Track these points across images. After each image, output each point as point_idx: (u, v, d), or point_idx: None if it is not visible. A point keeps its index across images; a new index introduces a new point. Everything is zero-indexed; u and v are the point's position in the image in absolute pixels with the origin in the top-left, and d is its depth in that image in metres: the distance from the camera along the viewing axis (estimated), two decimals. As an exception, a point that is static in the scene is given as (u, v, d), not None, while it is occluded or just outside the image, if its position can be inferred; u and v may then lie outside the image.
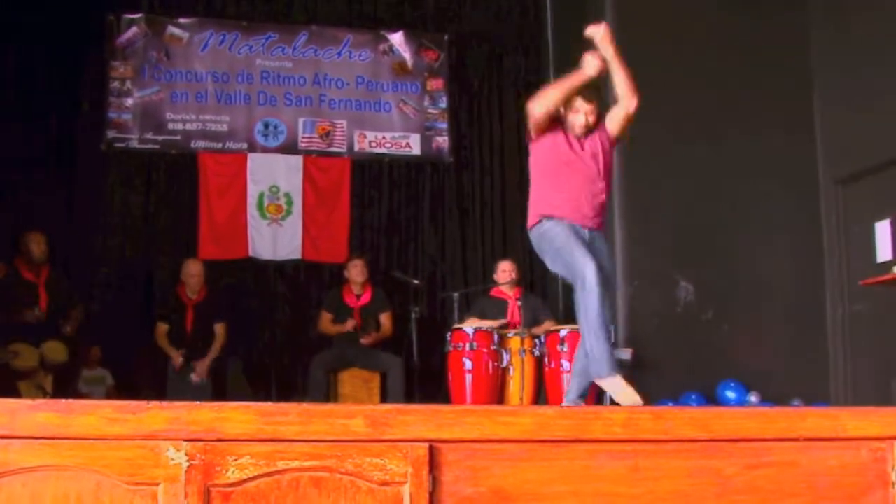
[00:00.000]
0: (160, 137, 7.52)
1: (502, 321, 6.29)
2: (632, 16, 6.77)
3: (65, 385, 5.74)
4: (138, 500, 2.02)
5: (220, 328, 6.50)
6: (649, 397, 6.07)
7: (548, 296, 7.79)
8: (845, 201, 6.53)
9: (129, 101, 7.50)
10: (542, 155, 4.19)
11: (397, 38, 8.05)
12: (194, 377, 6.26)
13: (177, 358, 6.25)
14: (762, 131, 6.71)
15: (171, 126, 7.56)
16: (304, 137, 7.73)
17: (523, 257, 7.74)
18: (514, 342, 5.79)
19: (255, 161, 7.63)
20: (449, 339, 5.84)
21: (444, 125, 8.02)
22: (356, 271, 6.76)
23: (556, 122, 4.14)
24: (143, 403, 2.07)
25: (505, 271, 6.59)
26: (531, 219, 4.20)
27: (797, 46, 6.80)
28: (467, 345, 5.68)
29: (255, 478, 2.07)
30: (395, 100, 7.93)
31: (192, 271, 6.55)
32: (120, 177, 7.42)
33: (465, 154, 8.05)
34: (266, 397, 6.90)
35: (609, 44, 4.01)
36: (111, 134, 7.43)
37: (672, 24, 6.73)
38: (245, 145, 7.66)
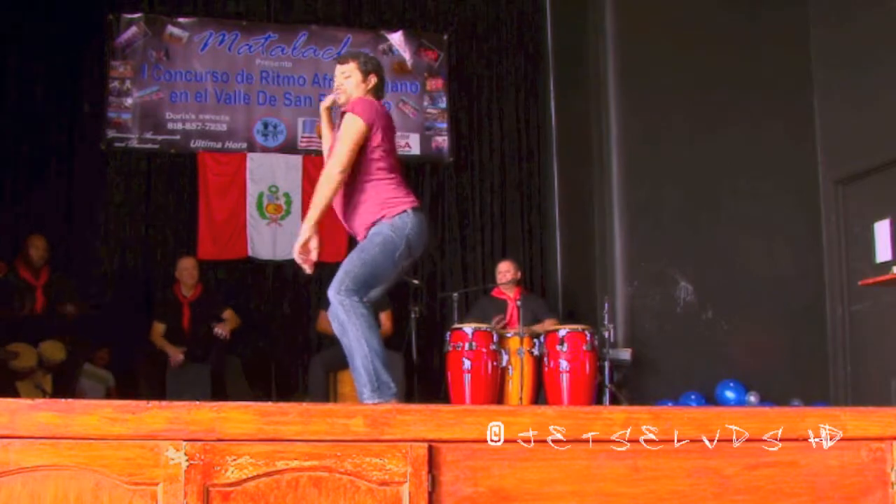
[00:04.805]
0: (160, 137, 7.52)
1: (499, 317, 6.31)
2: (632, 15, 6.78)
3: (64, 384, 5.74)
4: (138, 500, 2.02)
5: (228, 313, 6.58)
6: (649, 397, 6.10)
7: (547, 296, 7.79)
8: (845, 201, 6.53)
9: (129, 101, 7.50)
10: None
11: (397, 38, 8.05)
12: (217, 329, 6.34)
13: (176, 354, 6.23)
14: (762, 131, 6.72)
15: (170, 126, 7.55)
16: (303, 137, 7.73)
17: (523, 258, 7.76)
18: (514, 342, 5.78)
19: (254, 161, 7.63)
20: (448, 338, 5.84)
21: (443, 125, 8.02)
22: (355, 271, 6.74)
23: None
24: (143, 403, 2.07)
25: (502, 272, 6.59)
26: (396, 208, 3.78)
27: (797, 46, 6.80)
28: (466, 344, 5.66)
29: (254, 477, 2.07)
30: (394, 99, 7.92)
31: (185, 265, 6.58)
32: (119, 176, 7.42)
33: (464, 154, 8.05)
34: (266, 397, 6.90)
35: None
36: (111, 133, 7.43)
37: (672, 24, 6.74)
38: (244, 145, 7.66)
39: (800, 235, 6.69)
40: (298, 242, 3.76)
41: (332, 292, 3.69)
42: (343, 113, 3.88)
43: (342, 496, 2.09)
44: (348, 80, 3.92)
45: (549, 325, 6.21)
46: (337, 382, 6.51)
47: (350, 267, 3.70)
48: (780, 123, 6.75)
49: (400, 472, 2.11)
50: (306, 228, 3.75)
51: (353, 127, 3.75)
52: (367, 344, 3.62)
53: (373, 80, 3.95)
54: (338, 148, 3.76)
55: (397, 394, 3.70)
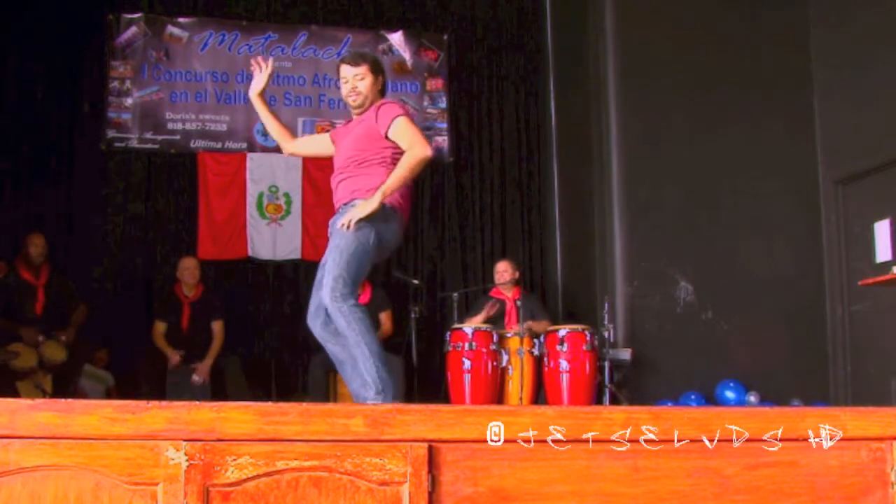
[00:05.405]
0: (160, 137, 7.52)
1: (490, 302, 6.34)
2: (632, 15, 6.78)
3: (64, 384, 5.74)
4: (138, 500, 2.02)
5: (217, 326, 6.51)
6: (649, 397, 6.10)
7: (547, 296, 7.79)
8: (845, 201, 6.53)
9: (129, 101, 7.50)
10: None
11: (397, 38, 8.05)
12: (196, 377, 6.26)
13: (174, 357, 6.24)
14: (762, 131, 6.72)
15: (170, 126, 7.55)
16: (303, 137, 7.73)
17: (523, 257, 7.76)
18: (514, 342, 5.78)
19: (254, 161, 7.63)
20: (448, 338, 5.84)
21: (443, 125, 8.02)
22: (355, 271, 6.74)
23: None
24: (143, 403, 2.07)
25: (500, 272, 6.59)
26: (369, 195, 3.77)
27: (797, 46, 6.80)
28: (466, 344, 5.66)
29: (254, 477, 2.07)
30: (394, 99, 7.92)
31: (187, 264, 6.57)
32: (119, 176, 7.42)
33: (464, 154, 8.05)
34: (266, 397, 6.90)
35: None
36: (111, 133, 7.43)
37: (672, 24, 6.74)
38: (244, 145, 7.66)
39: (800, 235, 6.69)
40: (369, 211, 3.68)
41: (327, 300, 3.66)
42: (362, 115, 3.96)
43: (342, 496, 2.09)
44: (363, 82, 3.94)
45: (543, 325, 6.20)
46: (337, 382, 6.50)
47: (338, 271, 3.67)
48: (780, 123, 6.75)
49: (400, 472, 2.11)
50: (378, 199, 3.69)
51: (406, 124, 3.83)
52: (368, 348, 3.63)
53: (381, 80, 4.04)
54: (413, 142, 3.78)
55: (398, 392, 3.72)
